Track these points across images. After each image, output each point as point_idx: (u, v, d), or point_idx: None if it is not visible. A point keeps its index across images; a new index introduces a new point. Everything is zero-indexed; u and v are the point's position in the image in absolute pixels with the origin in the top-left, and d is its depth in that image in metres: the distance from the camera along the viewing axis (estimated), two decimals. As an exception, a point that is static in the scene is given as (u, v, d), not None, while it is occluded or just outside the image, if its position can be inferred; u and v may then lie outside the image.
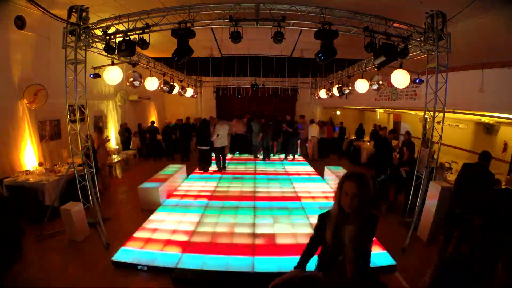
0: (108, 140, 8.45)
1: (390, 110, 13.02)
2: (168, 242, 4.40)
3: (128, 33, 4.60)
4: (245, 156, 11.38)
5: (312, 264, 2.05)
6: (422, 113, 5.42)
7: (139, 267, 3.81)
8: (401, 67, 5.39)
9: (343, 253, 1.81)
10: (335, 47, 4.48)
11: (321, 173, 8.35)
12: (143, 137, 11.02)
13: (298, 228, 4.93)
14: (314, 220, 4.03)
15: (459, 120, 9.94)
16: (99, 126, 8.95)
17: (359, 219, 1.81)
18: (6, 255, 3.90)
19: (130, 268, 3.82)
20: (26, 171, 5.86)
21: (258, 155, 10.83)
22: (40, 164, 6.32)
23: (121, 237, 4.55)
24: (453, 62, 5.07)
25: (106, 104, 10.03)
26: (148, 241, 4.43)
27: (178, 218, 5.29)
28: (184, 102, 14.21)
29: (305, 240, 2.58)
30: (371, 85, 6.95)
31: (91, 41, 4.85)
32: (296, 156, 11.18)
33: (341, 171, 7.57)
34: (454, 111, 6.84)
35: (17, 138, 6.07)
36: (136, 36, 4.76)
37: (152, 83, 7.48)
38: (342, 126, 12.72)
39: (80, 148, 4.86)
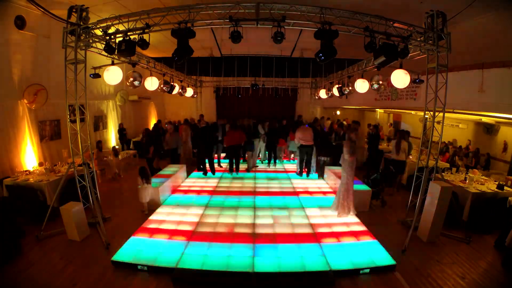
0: None
1: (390, 110, 13.04)
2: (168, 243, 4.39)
3: (128, 33, 4.60)
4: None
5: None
6: (422, 113, 5.42)
7: (139, 267, 3.81)
8: (401, 67, 5.39)
9: None
10: (335, 47, 4.49)
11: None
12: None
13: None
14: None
15: (459, 120, 9.95)
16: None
17: None
18: (3, 252, 3.92)
19: (130, 268, 3.83)
20: (26, 171, 5.87)
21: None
22: (40, 164, 6.33)
23: (121, 237, 4.55)
24: (453, 62, 5.07)
25: (106, 104, 10.05)
26: (148, 241, 4.43)
27: (178, 218, 5.27)
28: (184, 102, 14.22)
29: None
30: (371, 85, 6.96)
31: (91, 41, 4.86)
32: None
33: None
34: (454, 111, 6.85)
35: (17, 138, 6.08)
36: (136, 36, 4.75)
37: (152, 83, 7.48)
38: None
39: (80, 148, 4.86)
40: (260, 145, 9.24)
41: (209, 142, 7.97)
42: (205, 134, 7.93)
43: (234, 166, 8.15)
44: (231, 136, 7.92)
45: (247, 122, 9.77)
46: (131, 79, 6.03)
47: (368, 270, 3.80)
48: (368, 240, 4.55)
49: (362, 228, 4.97)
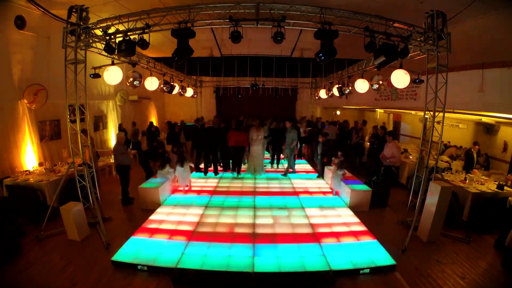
0: None
1: (390, 110, 13.02)
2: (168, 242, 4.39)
3: (128, 33, 4.60)
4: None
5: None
6: (422, 113, 5.42)
7: (139, 267, 3.81)
8: (401, 67, 5.39)
9: None
10: (335, 47, 4.49)
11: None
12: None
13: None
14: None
15: (459, 120, 9.94)
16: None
17: None
18: (3, 252, 3.92)
19: (130, 268, 3.83)
20: (26, 171, 5.87)
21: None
22: (40, 164, 6.33)
23: (121, 237, 4.55)
24: (453, 62, 5.06)
25: (106, 104, 10.04)
26: (148, 241, 4.43)
27: (178, 218, 5.27)
28: (184, 102, 14.21)
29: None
30: (371, 85, 6.96)
31: (91, 41, 4.85)
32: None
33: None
34: (454, 111, 6.84)
35: (17, 138, 6.07)
36: (136, 36, 4.76)
37: (152, 83, 7.48)
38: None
39: (80, 148, 4.86)
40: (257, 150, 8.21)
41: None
42: (220, 135, 7.89)
43: (236, 168, 8.13)
44: (235, 137, 7.80)
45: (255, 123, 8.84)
46: (131, 79, 6.04)
47: (368, 270, 3.80)
48: (368, 240, 4.54)
49: (362, 228, 4.97)
